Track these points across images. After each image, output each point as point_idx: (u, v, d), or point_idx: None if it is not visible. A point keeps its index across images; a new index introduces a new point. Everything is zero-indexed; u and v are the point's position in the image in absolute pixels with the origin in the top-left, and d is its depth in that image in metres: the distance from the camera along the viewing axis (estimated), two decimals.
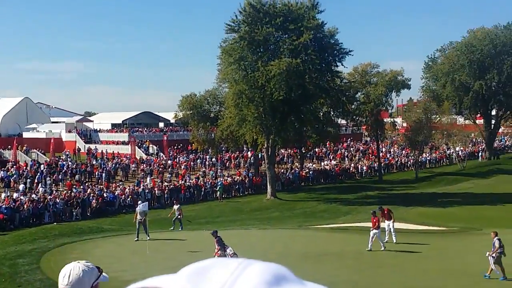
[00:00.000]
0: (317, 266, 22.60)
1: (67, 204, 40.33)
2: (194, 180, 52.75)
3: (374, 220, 27.11)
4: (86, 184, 48.96)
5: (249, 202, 48.33)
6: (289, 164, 64.65)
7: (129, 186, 47.67)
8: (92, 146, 68.01)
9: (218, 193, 49.46)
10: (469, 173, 64.14)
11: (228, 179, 53.57)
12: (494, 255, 20.41)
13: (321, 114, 54.54)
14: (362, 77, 59.04)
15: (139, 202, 32.84)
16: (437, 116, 66.78)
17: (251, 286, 0.81)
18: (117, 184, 48.71)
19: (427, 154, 71.70)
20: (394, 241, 27.22)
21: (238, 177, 55.00)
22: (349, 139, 79.80)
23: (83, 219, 39.37)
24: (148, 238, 28.47)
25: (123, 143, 68.80)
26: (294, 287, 0.85)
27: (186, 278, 0.85)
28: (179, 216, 33.79)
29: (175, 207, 34.54)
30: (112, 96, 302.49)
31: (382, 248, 25.33)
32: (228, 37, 48.06)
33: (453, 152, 74.41)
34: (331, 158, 68.30)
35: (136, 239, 28.56)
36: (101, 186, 47.78)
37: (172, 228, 33.59)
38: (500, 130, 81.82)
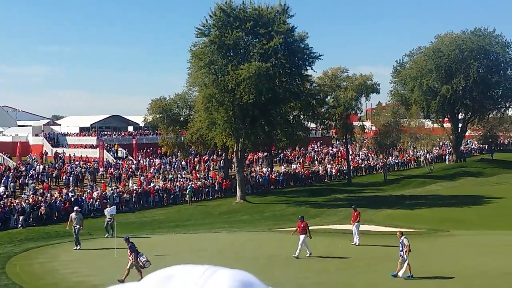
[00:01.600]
0: (286, 269, 22.67)
1: (33, 209, 39.69)
2: (163, 183, 52.45)
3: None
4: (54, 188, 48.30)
5: (218, 206, 48.24)
6: (258, 167, 64.58)
7: (97, 190, 47.18)
8: (60, 150, 67.15)
9: (188, 196, 49.25)
10: (437, 175, 65.01)
11: (198, 182, 53.40)
12: (406, 253, 20.71)
13: (291, 117, 54.76)
14: (331, 81, 59.48)
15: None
16: (405, 119, 67.65)
17: None
18: (85, 188, 48.20)
19: (394, 157, 72.35)
20: (357, 243, 27.51)
21: (212, 179, 54.85)
22: (318, 143, 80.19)
23: (50, 223, 38.77)
24: (107, 235, 29.26)
25: (92, 146, 68.12)
26: None
27: (147, 286, 0.83)
28: (109, 221, 31.12)
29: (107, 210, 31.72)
30: (80, 100, 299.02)
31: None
32: (198, 41, 48.09)
33: (421, 155, 75.36)
34: (300, 161, 68.53)
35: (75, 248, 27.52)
36: (68, 190, 47.20)
37: (107, 235, 31.07)
38: (467, 134, 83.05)
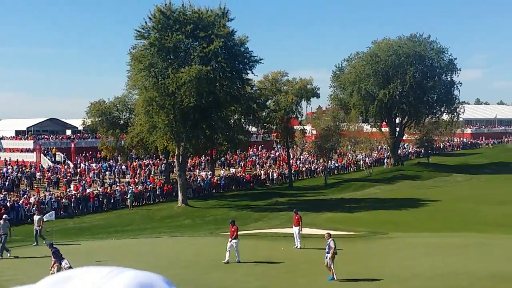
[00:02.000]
0: (227, 273, 22.58)
1: None
2: (102, 188, 51.56)
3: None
4: None
5: (160, 210, 47.77)
6: (198, 171, 64.20)
7: (34, 195, 45.95)
8: None
9: (129, 201, 48.57)
10: (375, 179, 66.24)
11: (139, 186, 52.73)
12: (331, 256, 20.99)
13: (232, 121, 54.79)
14: (272, 85, 59.82)
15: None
16: (345, 123, 68.72)
17: None
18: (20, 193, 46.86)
19: (334, 161, 73.34)
20: (298, 246, 27.75)
21: (152, 184, 54.18)
22: (260, 146, 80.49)
23: None
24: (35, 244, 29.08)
25: (28, 150, 66.28)
26: None
27: (53, 281, 0.82)
28: (38, 228, 30.52)
29: (36, 218, 31.47)
30: (15, 102, 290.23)
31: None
32: (137, 43, 47.61)
33: (360, 159, 76.65)
34: (242, 165, 68.61)
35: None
36: (2, 196, 45.84)
37: (35, 244, 30.24)
38: (404, 138, 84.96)
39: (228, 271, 23.02)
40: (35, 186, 52.85)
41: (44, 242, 29.04)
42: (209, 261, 24.35)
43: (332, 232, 33.42)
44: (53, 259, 20.10)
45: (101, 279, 0.81)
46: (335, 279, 20.87)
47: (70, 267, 19.27)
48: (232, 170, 65.18)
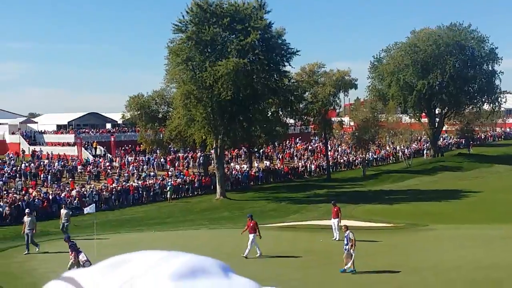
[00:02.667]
0: (265, 264, 22.70)
1: (11, 207, 39.28)
2: (142, 181, 52.23)
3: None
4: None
5: (198, 202, 48.15)
6: (233, 163, 64.27)
7: (76, 188, 46.81)
8: (37, 148, 66.48)
9: (168, 193, 49.08)
10: (415, 170, 65.52)
11: (178, 179, 53.22)
12: (353, 248, 20.90)
13: (270, 113, 54.78)
14: (309, 77, 59.57)
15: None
16: (383, 115, 68.06)
17: (156, 278, 0.78)
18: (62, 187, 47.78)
19: (372, 153, 72.70)
20: (337, 238, 27.65)
21: (187, 177, 54.61)
22: (297, 138, 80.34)
23: None
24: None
25: (69, 144, 67.50)
26: (209, 280, 0.81)
27: (100, 269, 0.82)
28: (66, 223, 30.77)
29: (63, 211, 31.77)
30: (56, 98, 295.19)
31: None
32: (175, 37, 47.91)
33: (399, 150, 75.86)
34: (280, 157, 68.57)
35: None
36: (47, 189, 46.85)
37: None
38: (444, 128, 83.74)
39: (267, 263, 23.13)
40: (77, 179, 53.80)
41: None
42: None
43: (371, 224, 33.53)
44: (70, 252, 20.31)
45: (155, 262, 0.83)
46: (354, 271, 20.86)
47: (87, 261, 19.51)
48: (267, 162, 64.80)
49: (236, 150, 66.33)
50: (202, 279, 0.80)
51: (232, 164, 62.93)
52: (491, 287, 18.59)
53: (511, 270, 18.79)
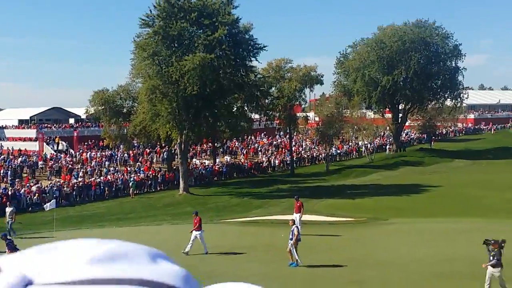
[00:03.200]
0: (228, 259, 22.75)
1: None
2: (104, 176, 51.77)
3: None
4: None
5: (161, 198, 47.95)
6: (195, 159, 63.96)
7: (36, 184, 46.15)
8: None
9: (131, 189, 48.75)
10: (377, 165, 66.22)
11: (141, 174, 52.91)
12: (294, 242, 21.18)
13: (235, 109, 54.79)
14: (276, 72, 59.77)
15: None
16: (348, 110, 68.68)
17: (74, 263, 0.78)
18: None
19: (336, 148, 73.12)
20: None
21: (148, 173, 54.24)
22: (262, 133, 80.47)
23: None
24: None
25: (31, 139, 66.41)
26: (129, 265, 0.81)
27: (25, 254, 0.81)
28: (10, 221, 30.14)
29: (8, 209, 31.21)
30: (18, 92, 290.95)
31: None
32: (142, 32, 47.59)
33: (362, 145, 76.60)
34: (244, 152, 68.60)
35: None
36: (6, 184, 46.12)
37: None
38: (407, 124, 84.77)
39: (229, 257, 23.18)
40: (37, 175, 53.02)
41: (13, 235, 27.74)
42: (211, 247, 24.48)
43: (333, 219, 33.84)
44: (7, 250, 20.05)
45: (80, 249, 0.82)
46: (299, 264, 21.10)
47: None
48: (227, 158, 64.47)
49: (200, 146, 66.17)
50: (121, 263, 0.80)
51: (194, 160, 62.63)
52: (451, 279, 18.90)
53: (470, 263, 19.15)
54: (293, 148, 67.03)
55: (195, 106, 48.33)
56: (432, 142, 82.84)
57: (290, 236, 21.55)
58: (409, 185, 50.18)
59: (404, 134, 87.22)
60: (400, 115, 79.14)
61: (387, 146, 79.42)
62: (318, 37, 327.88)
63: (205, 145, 66.66)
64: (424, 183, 51.08)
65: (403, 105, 79.09)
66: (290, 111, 61.05)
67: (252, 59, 50.43)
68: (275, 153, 69.73)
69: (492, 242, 17.18)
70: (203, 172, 57.11)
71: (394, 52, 72.75)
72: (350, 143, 78.10)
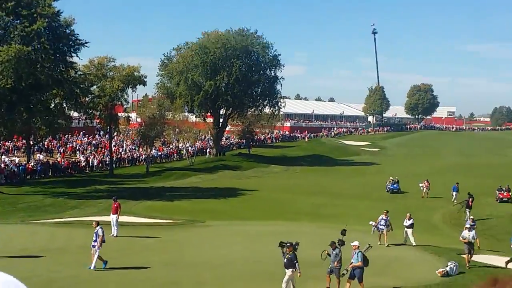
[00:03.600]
0: (37, 262, 21.87)
1: None
2: None
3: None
4: None
5: None
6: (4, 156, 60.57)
7: None
8: None
9: None
10: (197, 168, 67.27)
11: None
12: (100, 245, 21.10)
13: (53, 105, 52.66)
14: (98, 70, 58.45)
15: None
16: (170, 112, 69.05)
17: None
18: None
19: (156, 150, 73.00)
20: (115, 234, 27.58)
21: None
22: (81, 132, 78.00)
23: None
24: None
25: None
26: None
27: None
28: None
29: None
30: None
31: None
32: None
33: (183, 148, 77.34)
34: (62, 151, 66.02)
35: None
36: None
37: None
38: (227, 129, 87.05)
39: (39, 260, 22.28)
40: None
41: None
42: (18, 250, 23.39)
43: (151, 221, 33.88)
44: None
45: None
46: (95, 268, 20.70)
47: None
48: (40, 156, 61.28)
49: (14, 142, 62.60)
50: None
51: (3, 157, 58.98)
52: (261, 280, 19.85)
53: (277, 264, 20.26)
54: (113, 149, 65.85)
55: (8, 100, 45.72)
56: (250, 148, 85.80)
57: (94, 238, 21.15)
58: (227, 188, 51.74)
59: (224, 138, 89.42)
60: (221, 120, 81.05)
61: (208, 150, 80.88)
62: (143, 38, 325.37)
63: (19, 142, 63.06)
64: (241, 187, 52.93)
65: (224, 110, 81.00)
66: (111, 110, 59.98)
67: (73, 54, 48.95)
68: (94, 152, 67.93)
69: (288, 245, 18.36)
70: (15, 170, 53.98)
71: (217, 58, 74.35)
72: (171, 146, 78.44)
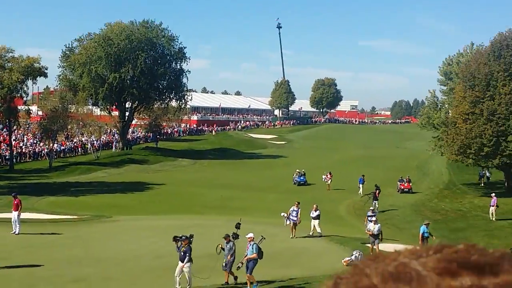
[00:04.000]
0: None
1: None
2: None
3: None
4: None
5: None
6: None
7: None
8: None
9: None
10: (103, 162, 65.79)
11: None
12: None
13: None
14: None
15: None
16: (74, 105, 67.15)
17: None
18: None
19: (60, 144, 70.85)
20: (17, 232, 26.64)
21: None
22: None
23: None
24: None
25: None
26: None
27: None
28: None
29: None
30: None
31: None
32: None
33: (88, 142, 75.44)
34: None
35: None
36: None
37: None
38: (134, 122, 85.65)
39: None
40: None
41: None
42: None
43: (55, 217, 32.87)
44: None
45: None
46: None
47: None
48: None
49: None
50: None
51: None
52: (170, 274, 19.75)
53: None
54: (13, 143, 63.26)
55: None
56: (158, 141, 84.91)
57: None
58: (134, 183, 50.97)
59: (131, 132, 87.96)
60: (127, 113, 79.63)
61: (114, 144, 79.28)
62: (44, 28, 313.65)
63: None
64: (148, 181, 52.34)
65: (130, 104, 79.61)
66: (10, 103, 57.54)
67: None
68: None
69: (183, 238, 18.44)
70: None
71: (121, 50, 72.89)
72: (75, 140, 76.26)
